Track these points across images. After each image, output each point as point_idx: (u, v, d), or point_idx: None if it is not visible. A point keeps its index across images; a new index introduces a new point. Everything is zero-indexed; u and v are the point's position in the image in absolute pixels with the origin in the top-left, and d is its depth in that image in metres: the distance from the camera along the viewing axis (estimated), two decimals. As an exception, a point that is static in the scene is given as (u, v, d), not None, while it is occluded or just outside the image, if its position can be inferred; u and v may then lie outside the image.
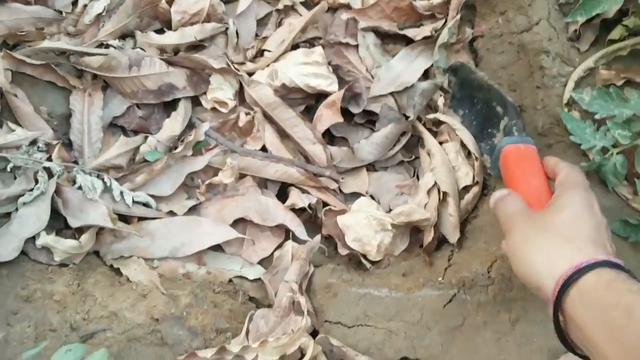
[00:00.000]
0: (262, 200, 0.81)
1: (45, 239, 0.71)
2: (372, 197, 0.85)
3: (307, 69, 0.85)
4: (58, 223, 0.75)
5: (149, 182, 0.80)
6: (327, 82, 0.84)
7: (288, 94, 0.86)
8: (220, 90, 0.85)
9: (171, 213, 0.80)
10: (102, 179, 0.78)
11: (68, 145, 0.81)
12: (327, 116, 0.85)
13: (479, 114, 0.82)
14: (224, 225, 0.79)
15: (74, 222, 0.74)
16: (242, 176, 0.84)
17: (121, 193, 0.78)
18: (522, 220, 0.57)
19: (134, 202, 0.78)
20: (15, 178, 0.76)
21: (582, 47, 0.80)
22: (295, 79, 0.84)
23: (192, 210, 0.81)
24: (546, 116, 0.78)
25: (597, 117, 0.72)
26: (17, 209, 0.73)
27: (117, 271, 0.74)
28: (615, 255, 0.52)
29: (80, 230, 0.74)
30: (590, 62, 0.78)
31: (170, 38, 0.85)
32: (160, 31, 0.87)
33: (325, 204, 0.83)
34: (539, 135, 0.78)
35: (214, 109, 0.85)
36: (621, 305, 0.43)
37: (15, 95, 0.78)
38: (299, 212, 0.82)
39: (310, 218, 0.84)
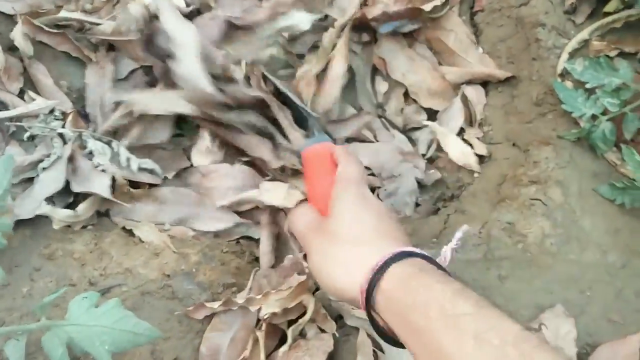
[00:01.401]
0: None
1: (44, 209, 0.73)
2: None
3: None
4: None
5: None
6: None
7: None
8: None
9: (166, 178, 0.82)
10: (110, 145, 0.81)
11: (85, 116, 0.86)
12: None
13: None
14: (231, 214, 0.79)
15: (75, 187, 0.76)
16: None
17: (127, 159, 0.80)
18: (314, 234, 0.55)
19: (139, 168, 0.80)
20: (36, 146, 0.81)
21: (578, 20, 0.82)
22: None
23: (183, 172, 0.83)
24: (541, 86, 0.80)
25: (588, 86, 0.74)
26: (38, 175, 0.78)
27: (131, 232, 0.78)
28: (404, 234, 0.51)
29: (85, 197, 0.77)
30: (584, 34, 0.80)
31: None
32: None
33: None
34: (534, 105, 0.80)
35: None
36: (418, 306, 0.42)
37: (31, 57, 0.82)
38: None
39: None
